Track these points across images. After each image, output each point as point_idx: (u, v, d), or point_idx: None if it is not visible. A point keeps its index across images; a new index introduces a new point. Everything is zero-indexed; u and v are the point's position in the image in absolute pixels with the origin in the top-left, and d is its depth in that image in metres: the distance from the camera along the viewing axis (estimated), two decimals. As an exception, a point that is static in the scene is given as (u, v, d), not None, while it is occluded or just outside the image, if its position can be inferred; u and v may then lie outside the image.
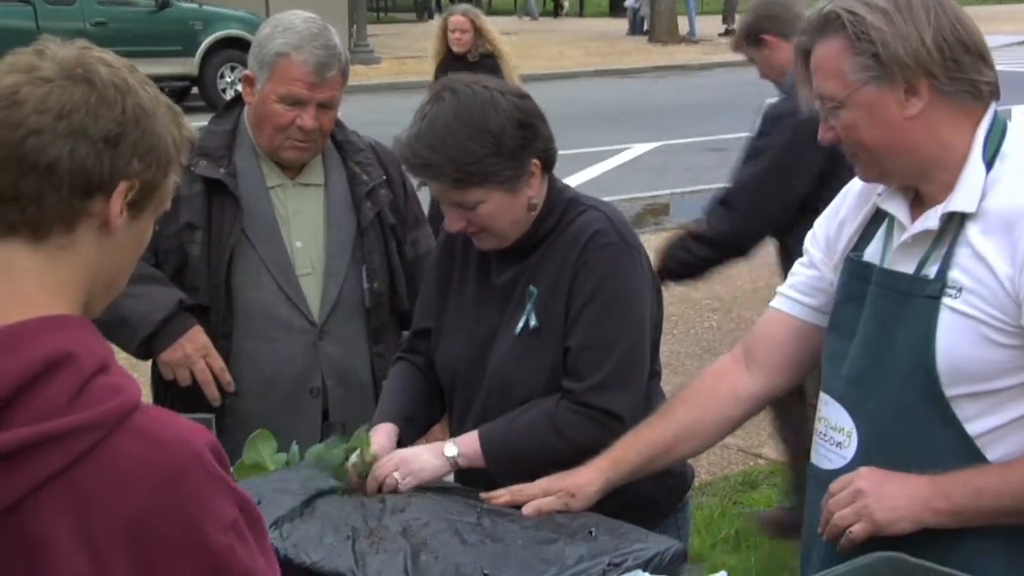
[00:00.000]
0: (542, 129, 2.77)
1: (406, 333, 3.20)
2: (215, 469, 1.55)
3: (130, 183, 1.59)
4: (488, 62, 8.50)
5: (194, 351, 3.28)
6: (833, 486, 2.36)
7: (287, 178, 3.42)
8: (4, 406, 1.46)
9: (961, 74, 2.28)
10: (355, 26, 24.60)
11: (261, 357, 3.35)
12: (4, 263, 1.57)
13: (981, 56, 2.31)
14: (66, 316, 1.56)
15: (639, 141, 15.61)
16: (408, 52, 25.07)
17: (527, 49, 26.18)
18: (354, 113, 13.14)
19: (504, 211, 2.74)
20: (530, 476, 2.64)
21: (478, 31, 8.67)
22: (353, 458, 2.71)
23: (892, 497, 2.29)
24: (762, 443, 6.66)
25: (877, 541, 2.26)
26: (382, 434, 2.86)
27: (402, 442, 2.89)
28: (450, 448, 2.76)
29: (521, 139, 2.70)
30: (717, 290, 9.39)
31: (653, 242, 10.19)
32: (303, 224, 3.41)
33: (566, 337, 2.75)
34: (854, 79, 2.29)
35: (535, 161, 2.74)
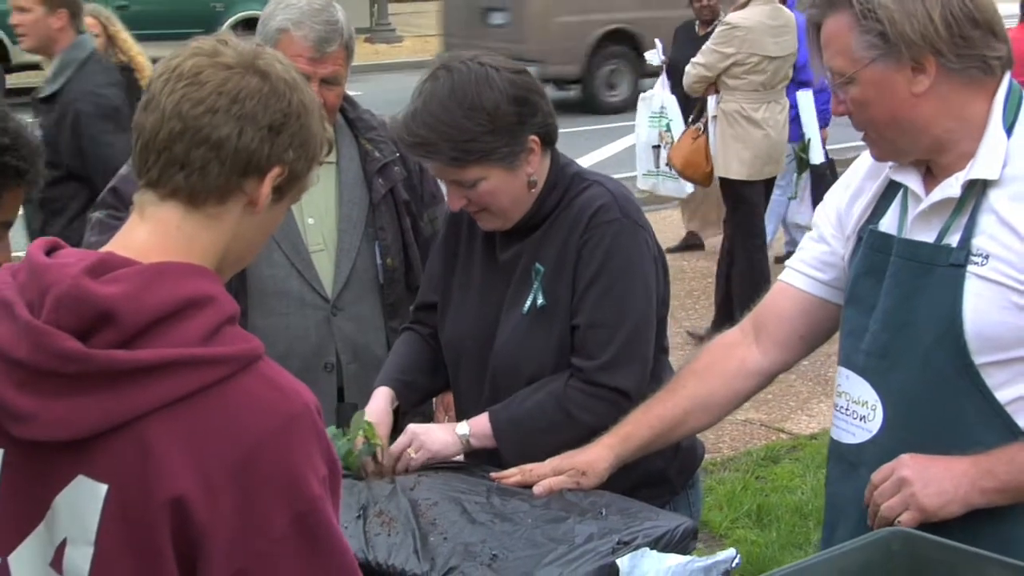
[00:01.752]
0: (540, 104, 2.74)
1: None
2: (320, 425, 1.71)
3: (282, 169, 1.78)
4: (125, 76, 6.00)
5: None
6: (875, 477, 2.32)
7: None
8: (144, 330, 1.62)
9: (970, 50, 2.26)
10: (376, 5, 24.54)
11: (274, 333, 3.35)
12: (159, 219, 1.76)
13: (991, 30, 2.28)
14: (205, 268, 1.74)
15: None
16: (430, 31, 24.96)
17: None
18: (376, 91, 13.14)
19: (503, 189, 2.72)
20: (541, 456, 2.63)
21: (110, 38, 6.30)
22: (360, 447, 2.71)
23: (938, 482, 2.25)
24: (784, 418, 6.65)
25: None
26: (379, 398, 2.88)
27: (399, 408, 2.90)
28: (462, 427, 2.77)
29: (517, 115, 2.68)
30: (740, 264, 9.36)
31: (674, 217, 10.18)
32: (315, 201, 3.40)
33: (573, 315, 2.74)
34: (861, 56, 2.27)
35: (533, 137, 2.72)
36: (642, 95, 8.88)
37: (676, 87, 8.38)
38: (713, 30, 7.97)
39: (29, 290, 1.67)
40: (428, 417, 3.54)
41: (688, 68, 7.65)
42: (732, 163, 7.58)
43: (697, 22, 8.75)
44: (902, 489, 2.27)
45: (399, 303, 3.49)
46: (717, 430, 6.33)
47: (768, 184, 7.88)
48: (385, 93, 11.84)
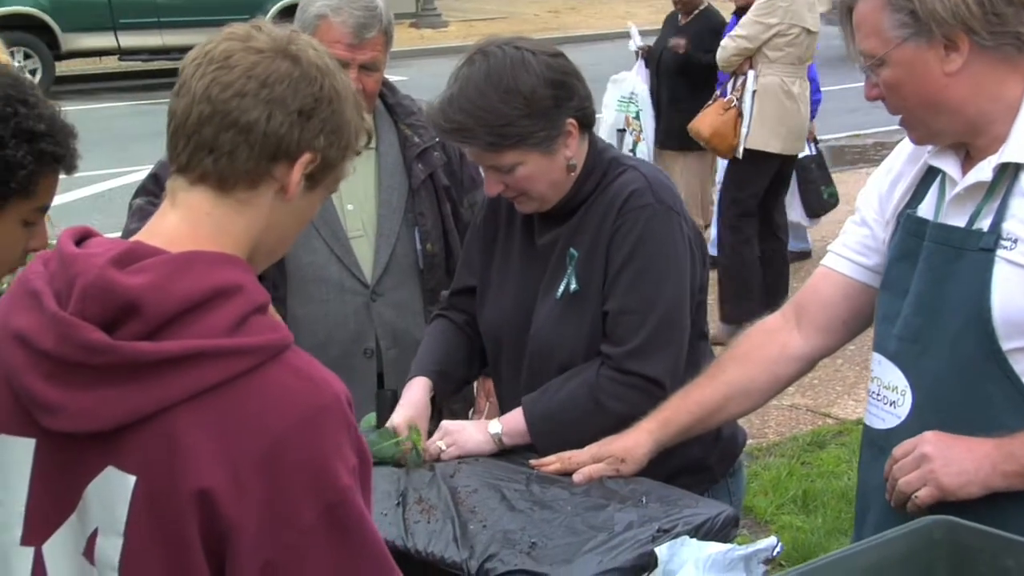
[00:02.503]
0: (577, 87, 2.72)
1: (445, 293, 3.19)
2: (349, 415, 1.69)
3: (313, 156, 1.75)
4: None
5: None
6: (897, 451, 2.31)
7: None
8: (170, 321, 1.62)
9: (1003, 27, 2.22)
10: (422, -10, 24.56)
11: (314, 320, 3.36)
12: (190, 205, 1.74)
13: None
14: (235, 257, 1.72)
15: (708, 98, 15.41)
16: (476, 15, 24.99)
17: (593, 8, 26.00)
18: (422, 76, 13.13)
19: (541, 173, 2.71)
20: (576, 446, 2.62)
21: None
22: (411, 456, 2.70)
23: (959, 461, 2.23)
24: (831, 403, 6.61)
25: (940, 503, 2.23)
26: (417, 388, 2.87)
27: (435, 397, 2.89)
28: (495, 426, 2.76)
29: (554, 99, 2.66)
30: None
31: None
32: (354, 187, 3.39)
33: (604, 301, 2.72)
34: (892, 36, 2.25)
35: (571, 121, 2.70)
36: (613, 77, 8.80)
37: (657, 75, 8.42)
38: (693, 16, 8.13)
39: (58, 280, 1.67)
40: (469, 403, 3.54)
41: (725, 42, 7.64)
42: (770, 138, 7.56)
43: (679, 14, 8.70)
44: (922, 465, 2.25)
45: (439, 288, 3.45)
46: (763, 415, 6.31)
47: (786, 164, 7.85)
48: (431, 78, 11.84)
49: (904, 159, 2.49)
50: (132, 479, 1.62)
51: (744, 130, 7.56)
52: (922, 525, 2.10)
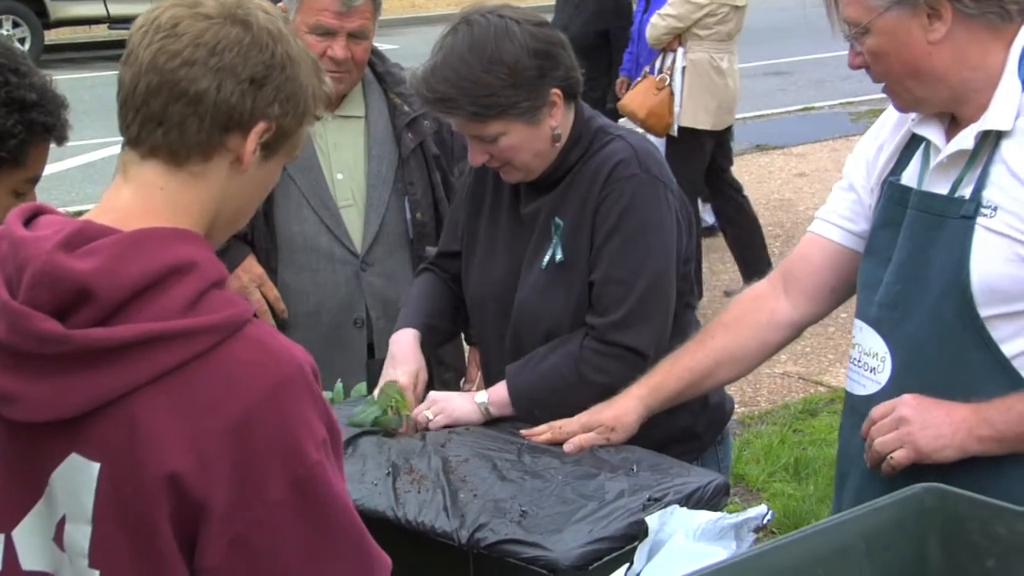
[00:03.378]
0: (562, 57, 2.70)
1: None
2: (315, 387, 1.66)
3: (267, 124, 1.70)
4: None
5: (250, 281, 3.32)
6: (875, 412, 2.33)
7: (327, 111, 3.40)
8: (123, 304, 1.57)
9: None
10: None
11: (304, 289, 3.37)
12: (142, 180, 1.69)
13: None
14: (190, 232, 1.67)
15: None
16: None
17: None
18: (415, 44, 13.04)
19: (526, 143, 2.69)
20: (560, 417, 2.62)
21: None
22: (391, 414, 2.69)
23: (936, 425, 2.26)
24: (823, 371, 6.62)
25: (917, 468, 2.24)
26: (408, 340, 2.87)
27: (422, 349, 2.89)
28: (481, 396, 2.75)
29: (538, 68, 2.65)
30: (780, 217, 9.31)
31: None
32: (343, 156, 3.40)
33: (590, 271, 2.72)
34: (875, 4, 2.25)
35: (555, 91, 2.68)
36: None
37: None
38: None
39: (8, 264, 1.62)
40: (460, 373, 3.53)
41: (655, 20, 7.62)
42: (699, 113, 7.56)
43: None
44: (900, 427, 2.27)
45: None
46: (755, 383, 6.32)
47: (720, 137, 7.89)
48: (423, 45, 11.81)
49: (891, 126, 2.49)
50: (96, 466, 1.59)
51: (676, 108, 7.56)
52: (913, 493, 2.10)
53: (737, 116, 8.97)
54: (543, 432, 2.60)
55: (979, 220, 2.25)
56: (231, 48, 1.67)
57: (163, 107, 1.66)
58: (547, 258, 2.76)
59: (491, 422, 2.73)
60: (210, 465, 1.57)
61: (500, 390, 2.75)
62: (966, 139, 2.28)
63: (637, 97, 7.71)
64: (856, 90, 12.75)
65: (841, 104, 13.19)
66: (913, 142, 2.42)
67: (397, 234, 3.44)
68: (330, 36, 3.25)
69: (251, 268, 3.33)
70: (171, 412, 1.57)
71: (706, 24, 7.51)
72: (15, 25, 16.46)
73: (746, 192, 8.04)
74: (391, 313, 3.38)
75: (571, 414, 2.61)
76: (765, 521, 2.23)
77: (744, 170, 10.69)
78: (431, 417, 2.70)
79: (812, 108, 13.17)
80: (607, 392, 2.63)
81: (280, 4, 3.29)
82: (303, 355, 1.66)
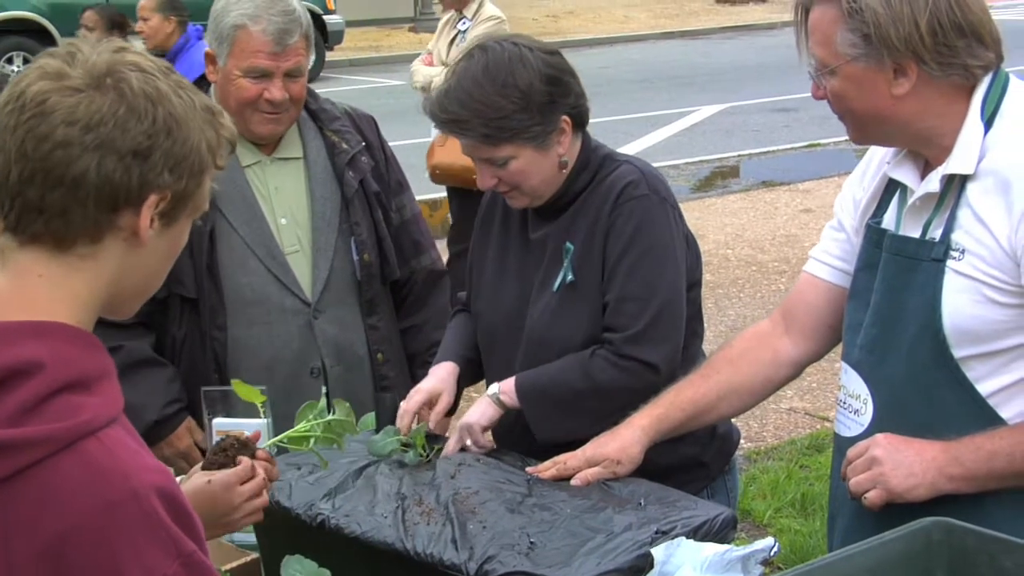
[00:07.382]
0: (572, 85, 2.76)
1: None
2: (155, 514, 1.47)
3: (161, 195, 1.56)
4: None
5: (173, 455, 3.22)
6: (850, 453, 2.36)
7: (263, 154, 3.33)
8: None
9: (953, 59, 2.26)
10: (421, -5, 24.56)
11: (257, 343, 3.28)
12: (21, 268, 1.55)
13: (979, 38, 2.27)
14: (54, 324, 1.51)
15: (706, 103, 15.44)
16: (474, 19, 25.03)
17: (592, 13, 26.04)
18: (418, 81, 13.02)
19: (534, 168, 2.74)
20: (565, 425, 2.68)
21: None
22: (411, 454, 2.71)
23: (908, 464, 2.28)
24: (829, 407, 6.60)
25: (905, 506, 2.26)
26: (444, 371, 2.92)
27: (459, 383, 2.94)
28: (492, 388, 2.80)
29: (550, 94, 2.71)
30: (785, 253, 9.33)
31: (720, 205, 10.18)
32: (286, 200, 3.32)
33: (604, 291, 2.76)
34: (844, 51, 2.28)
35: (565, 118, 2.74)
36: None
37: None
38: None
39: None
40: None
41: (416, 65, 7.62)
42: None
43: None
44: (872, 467, 2.30)
45: (376, 299, 3.40)
46: (761, 419, 6.32)
47: None
48: (429, 82, 11.83)
49: (874, 168, 2.52)
50: None
51: None
52: (920, 527, 2.11)
53: (743, 152, 9.04)
54: (547, 468, 2.61)
55: (948, 263, 2.28)
56: (106, 121, 1.51)
57: (40, 196, 1.51)
58: (558, 281, 2.80)
59: (500, 454, 2.75)
60: None
61: (509, 380, 2.79)
62: (933, 183, 2.32)
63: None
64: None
65: (846, 140, 13.16)
66: (893, 183, 2.45)
67: (345, 277, 3.35)
68: (266, 78, 3.17)
69: (175, 443, 3.24)
70: None
71: None
72: (25, 61, 16.53)
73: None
74: (345, 360, 3.35)
75: (575, 419, 2.67)
76: (772, 553, 2.24)
77: (750, 206, 10.74)
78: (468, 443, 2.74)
79: (818, 144, 13.20)
80: (611, 398, 2.68)
81: (207, 51, 3.26)
82: (149, 476, 1.49)
